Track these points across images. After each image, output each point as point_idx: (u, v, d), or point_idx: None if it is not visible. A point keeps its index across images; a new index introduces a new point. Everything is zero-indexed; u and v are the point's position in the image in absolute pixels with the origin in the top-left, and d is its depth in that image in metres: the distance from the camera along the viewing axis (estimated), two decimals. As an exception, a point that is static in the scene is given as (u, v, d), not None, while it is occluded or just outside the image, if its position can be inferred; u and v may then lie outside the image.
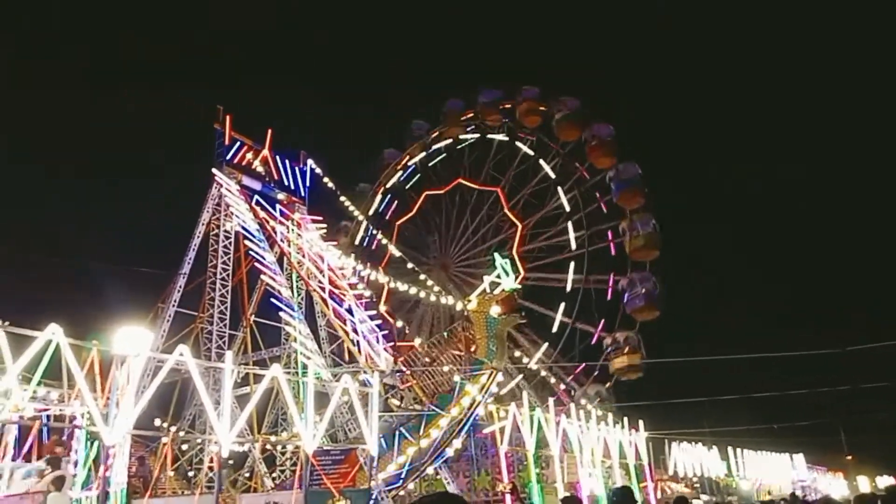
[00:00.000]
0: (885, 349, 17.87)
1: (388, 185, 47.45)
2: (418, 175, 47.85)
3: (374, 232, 43.89)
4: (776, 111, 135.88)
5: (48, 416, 14.54)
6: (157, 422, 19.74)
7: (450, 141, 46.28)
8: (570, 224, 40.96)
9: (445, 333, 28.46)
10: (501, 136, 44.42)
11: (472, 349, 25.90)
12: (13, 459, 13.42)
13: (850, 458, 66.64)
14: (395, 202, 47.86)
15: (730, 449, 45.63)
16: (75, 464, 13.93)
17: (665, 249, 38.26)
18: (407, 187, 47.92)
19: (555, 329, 39.53)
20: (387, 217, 47.42)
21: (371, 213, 46.15)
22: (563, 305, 39.50)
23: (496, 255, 28.85)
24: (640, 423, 30.51)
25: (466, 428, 24.45)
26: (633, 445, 29.16)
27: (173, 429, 22.27)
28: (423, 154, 47.10)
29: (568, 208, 41.30)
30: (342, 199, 40.12)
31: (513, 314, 26.66)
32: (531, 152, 43.26)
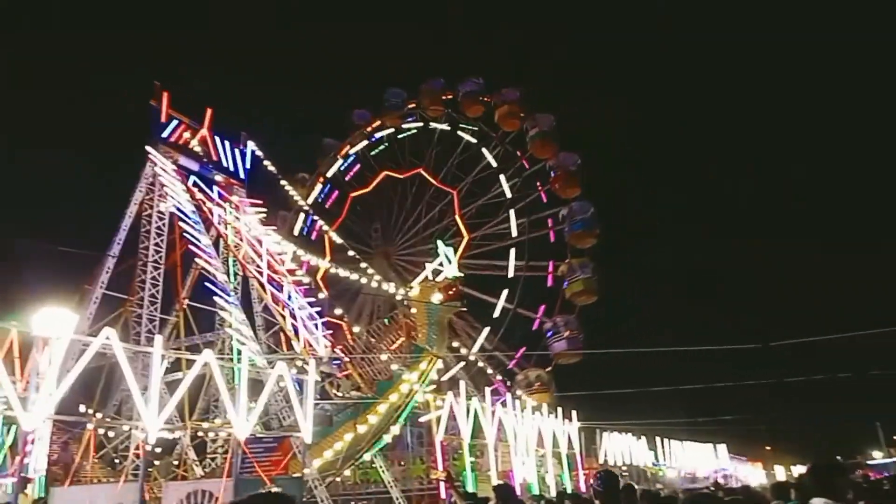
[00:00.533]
0: (804, 345, 18.80)
1: (327, 175, 47.03)
2: (359, 165, 47.66)
3: (314, 220, 43.36)
4: (707, 92, 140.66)
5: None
6: (83, 408, 18.97)
7: (391, 130, 46.18)
8: (511, 212, 41.64)
9: (386, 320, 28.43)
10: (444, 126, 44.61)
11: (413, 336, 25.96)
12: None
13: (768, 448, 70.27)
14: (335, 192, 47.55)
15: (657, 439, 47.34)
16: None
17: (603, 237, 39.50)
18: (347, 178, 47.70)
19: (497, 315, 40.13)
20: (326, 206, 47.00)
21: (310, 201, 45.59)
22: (505, 292, 40.18)
23: (439, 242, 28.98)
24: (574, 413, 31.24)
25: (405, 415, 24.48)
26: (567, 435, 29.85)
27: (99, 415, 21.45)
28: (364, 143, 46.90)
29: (509, 195, 42.02)
30: (283, 183, 39.39)
31: (454, 301, 26.88)
32: (473, 140, 43.71)
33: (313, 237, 43.73)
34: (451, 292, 26.49)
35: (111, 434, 23.41)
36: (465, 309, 32.37)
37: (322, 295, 32.47)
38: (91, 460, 18.56)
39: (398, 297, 31.08)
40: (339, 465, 23.21)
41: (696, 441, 55.50)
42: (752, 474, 64.30)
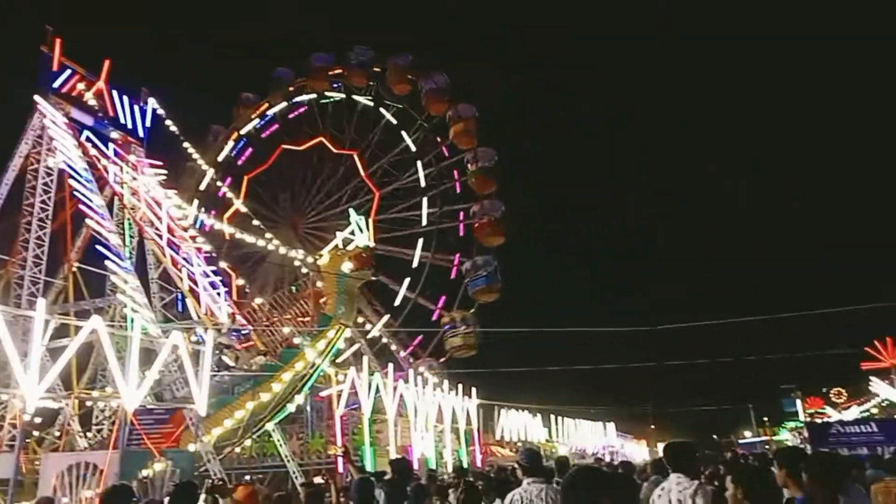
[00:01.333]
0: (688, 329, 20.10)
1: (242, 132, 45.07)
2: (276, 125, 45.84)
3: (221, 181, 41.63)
4: (610, 95, 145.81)
5: None
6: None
7: (313, 96, 44.71)
8: (424, 199, 41.52)
9: (294, 288, 27.94)
10: (367, 100, 43.74)
11: (321, 304, 25.73)
12: None
13: (653, 427, 74.81)
14: (248, 150, 45.65)
15: (551, 416, 49.38)
16: None
17: (509, 235, 40.05)
18: (263, 136, 45.80)
19: (398, 302, 40.23)
20: (238, 163, 45.10)
21: (221, 158, 43.66)
22: (407, 280, 40.24)
23: (351, 210, 28.75)
24: (473, 390, 31.98)
25: (309, 384, 24.26)
26: (465, 411, 30.55)
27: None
28: (284, 104, 45.10)
29: (424, 184, 41.79)
30: (186, 145, 37.56)
31: (364, 270, 26.87)
32: (394, 121, 43.08)
33: (220, 195, 41.90)
34: (361, 261, 26.46)
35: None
36: (375, 278, 32.30)
37: (223, 264, 31.39)
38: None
39: (307, 266, 30.56)
40: (241, 433, 22.76)
41: (588, 419, 58.32)
42: (636, 451, 68.31)
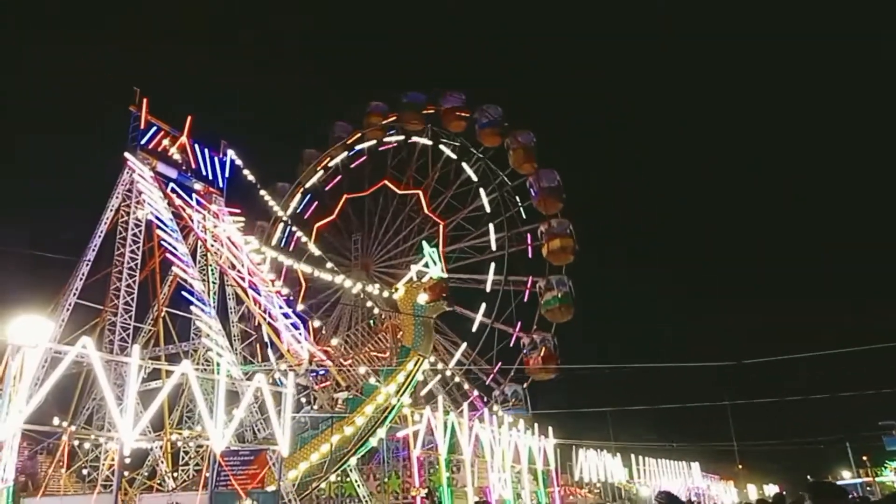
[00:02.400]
0: (777, 363, 19.12)
1: (307, 186, 46.85)
2: (339, 176, 47.54)
3: (293, 231, 43.19)
4: (680, 116, 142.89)
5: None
6: (56, 420, 18.52)
7: (373, 142, 46.19)
8: (490, 226, 41.80)
9: (371, 322, 28.38)
10: (425, 140, 44.71)
11: (399, 336, 26.03)
12: None
13: (740, 467, 70.86)
14: (315, 203, 47.29)
15: (632, 456, 47.58)
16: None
17: (581, 254, 39.82)
18: (327, 188, 47.52)
19: (474, 329, 40.04)
20: (305, 217, 46.76)
21: (290, 212, 45.37)
22: (483, 306, 40.16)
23: (424, 243, 29.19)
24: (549, 429, 31.29)
25: (391, 416, 24.36)
26: (542, 451, 29.87)
27: (72, 427, 20.93)
28: (345, 155, 46.77)
29: (489, 210, 42.21)
30: (262, 193, 39.16)
31: (440, 301, 27.17)
32: (454, 156, 43.87)
33: (291, 248, 43.48)
34: (436, 292, 26.78)
35: (83, 445, 22.89)
36: (450, 308, 32.53)
37: (300, 307, 32.22)
38: (64, 472, 18.13)
39: (380, 306, 31.00)
40: (326, 468, 23.01)
41: (670, 459, 55.90)
42: (724, 493, 64.83)
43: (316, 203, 47.33)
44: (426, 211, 43.75)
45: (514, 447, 27.09)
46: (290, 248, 43.35)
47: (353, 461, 25.03)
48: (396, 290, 28.98)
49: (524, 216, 41.97)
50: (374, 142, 46.12)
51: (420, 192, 44.35)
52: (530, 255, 41.09)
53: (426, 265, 27.33)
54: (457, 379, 39.87)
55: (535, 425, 30.22)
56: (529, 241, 41.22)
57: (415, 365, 25.12)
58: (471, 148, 43.28)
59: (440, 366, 38.75)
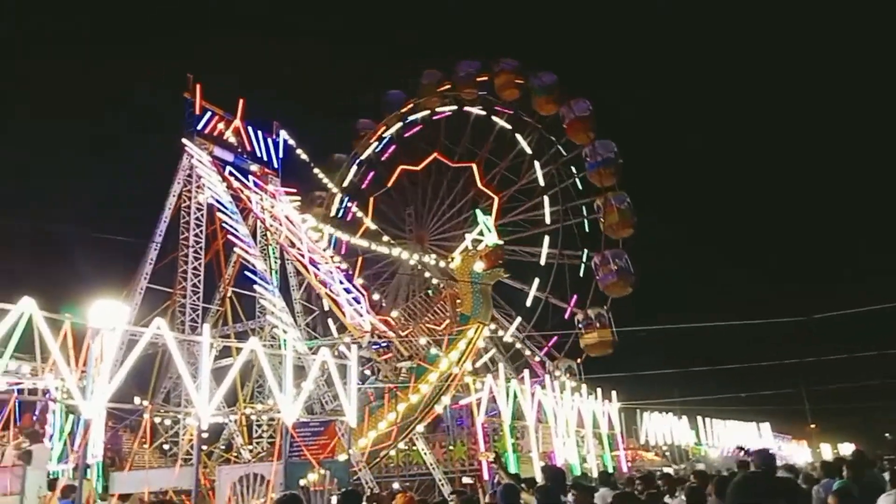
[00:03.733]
0: (850, 317, 18.31)
1: (362, 157, 47.01)
2: (394, 146, 47.34)
3: (349, 204, 43.66)
4: (749, 88, 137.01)
5: (20, 390, 14.29)
6: (137, 399, 19.53)
7: (426, 112, 45.80)
8: (545, 199, 41.18)
9: (430, 291, 28.73)
10: (478, 110, 44.12)
11: (458, 305, 26.35)
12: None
13: (813, 426, 68.99)
14: (371, 174, 47.45)
15: (699, 418, 46.85)
16: (50, 437, 13.76)
17: (638, 226, 38.75)
18: (382, 159, 47.46)
19: (528, 303, 39.94)
20: (362, 188, 46.99)
21: (345, 184, 45.70)
22: (536, 280, 39.92)
23: (478, 211, 29.23)
24: (613, 393, 31.09)
25: (454, 384, 24.77)
26: (606, 415, 29.75)
27: (152, 405, 22.07)
28: (399, 125, 46.57)
29: (543, 183, 41.46)
30: (316, 170, 39.75)
31: (496, 268, 27.28)
32: (508, 126, 43.13)
33: (348, 219, 43.92)
34: (492, 259, 26.91)
35: (164, 421, 24.09)
36: (507, 276, 32.51)
37: (359, 281, 32.74)
38: (149, 447, 19.15)
39: (435, 274, 31.28)
40: (394, 436, 23.64)
41: (739, 420, 54.77)
42: (796, 453, 63.37)
43: (371, 174, 47.38)
44: (480, 185, 43.37)
45: (577, 412, 27.07)
46: (347, 220, 43.78)
47: (419, 429, 25.58)
48: (452, 259, 29.17)
49: (580, 188, 41.07)
50: (427, 112, 45.63)
51: (473, 166, 43.91)
52: (587, 229, 40.25)
53: (481, 233, 27.42)
54: (518, 346, 39.95)
55: (599, 390, 30.08)
56: (585, 214, 40.41)
57: (475, 332, 25.36)
58: (525, 117, 42.43)
59: (500, 333, 38.91)
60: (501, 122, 43.31)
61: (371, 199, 46.28)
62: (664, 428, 40.40)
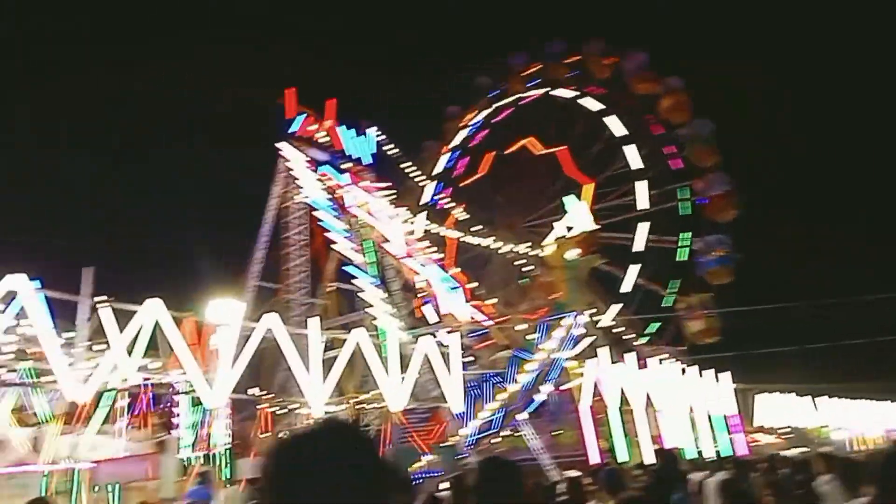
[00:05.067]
0: None
1: (452, 144, 46.85)
2: (483, 133, 46.91)
3: (440, 192, 43.77)
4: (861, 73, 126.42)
5: (151, 384, 15.43)
6: (255, 391, 20.73)
7: (514, 97, 45.08)
8: (641, 182, 39.33)
9: (525, 280, 28.54)
10: (567, 92, 42.98)
11: (553, 294, 26.04)
12: (127, 424, 14.38)
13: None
14: (461, 161, 47.28)
15: (822, 398, 43.99)
16: (180, 427, 14.79)
17: (743, 210, 36.44)
18: (472, 145, 47.16)
19: (626, 290, 38.48)
20: (452, 176, 46.95)
21: (437, 172, 45.66)
22: (634, 267, 38.40)
23: (570, 197, 28.66)
24: (727, 374, 29.79)
25: (553, 374, 24.53)
26: (719, 397, 28.54)
27: (265, 394, 23.27)
28: (488, 111, 46.00)
29: (639, 166, 39.63)
30: (406, 164, 40.35)
31: (591, 255, 26.69)
32: (600, 106, 41.67)
33: (439, 208, 44.14)
34: (586, 246, 26.32)
35: (280, 411, 25.34)
36: (604, 261, 31.65)
37: (454, 270, 33.08)
38: (272, 434, 20.20)
39: (531, 261, 31.01)
40: (496, 424, 23.76)
41: (868, 399, 50.94)
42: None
43: (462, 161, 47.25)
44: (570, 171, 42.19)
45: (687, 394, 26.13)
46: (439, 208, 43.90)
47: (521, 416, 25.48)
48: (546, 247, 28.82)
49: (678, 169, 39.09)
50: (515, 96, 44.94)
51: (562, 151, 42.77)
52: (686, 211, 38.33)
53: (573, 220, 26.86)
54: (619, 330, 38.96)
55: (712, 371, 28.88)
56: (683, 197, 38.51)
57: (572, 319, 24.93)
58: (616, 99, 40.82)
59: (599, 318, 38.05)
60: (592, 104, 41.97)
61: (461, 186, 46.23)
62: (783, 409, 38.28)
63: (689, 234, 37.52)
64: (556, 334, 24.55)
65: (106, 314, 11.00)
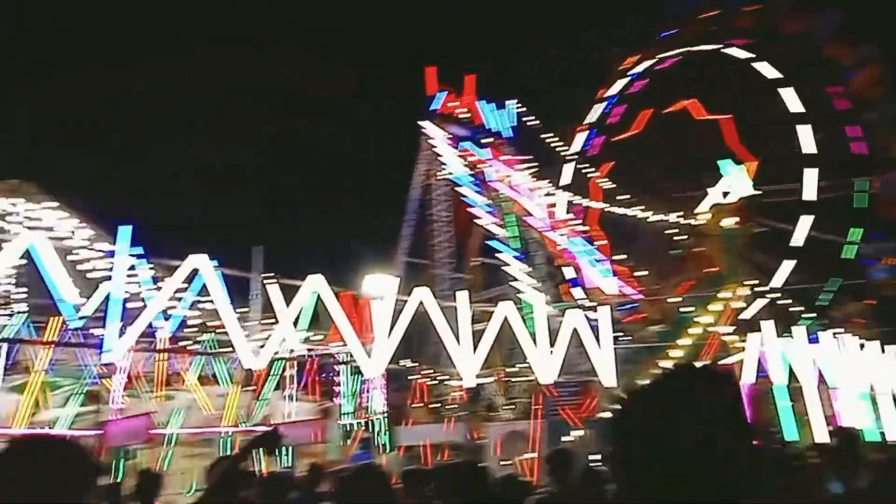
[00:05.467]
0: None
1: (608, 94, 44.25)
2: (642, 82, 43.89)
3: (593, 139, 41.87)
4: None
5: (315, 355, 16.55)
6: (407, 363, 21.64)
7: (683, 50, 41.47)
8: (810, 170, 34.99)
9: (678, 251, 27.16)
10: (742, 52, 38.87)
11: (708, 266, 24.61)
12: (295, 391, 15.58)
13: None
14: (615, 109, 44.65)
15: None
16: (341, 396, 15.80)
17: None
18: (629, 92, 44.35)
19: (799, 244, 34.74)
20: (606, 123, 44.19)
21: (588, 121, 43.55)
22: (804, 217, 34.62)
23: (726, 161, 26.70)
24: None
25: (712, 348, 23.31)
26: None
27: (420, 367, 24.18)
28: (651, 61, 42.64)
29: (811, 151, 35.28)
30: (548, 135, 39.43)
31: (749, 223, 24.77)
32: (776, 74, 37.39)
33: (584, 180, 42.67)
34: (744, 213, 24.44)
35: (430, 382, 26.28)
36: (763, 229, 29.06)
37: (601, 242, 32.21)
38: (421, 405, 21.06)
39: (685, 230, 29.28)
40: None
41: None
42: None
43: (618, 109, 44.39)
44: (732, 143, 38.61)
45: (867, 369, 23.72)
46: (586, 178, 42.16)
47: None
48: (702, 215, 27.19)
49: (844, 108, 34.65)
50: (684, 49, 41.46)
51: (727, 120, 39.09)
52: (862, 206, 33.86)
53: (730, 185, 25.00)
54: (785, 301, 35.91)
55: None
56: (855, 135, 34.16)
57: (730, 292, 23.43)
58: (797, 66, 36.52)
59: (762, 288, 35.30)
60: (768, 70, 37.31)
61: (613, 142, 44.06)
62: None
63: (860, 229, 33.31)
64: (713, 307, 23.24)
65: (273, 290, 11.89)
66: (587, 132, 41.63)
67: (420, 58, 33.75)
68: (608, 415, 15.92)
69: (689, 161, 39.89)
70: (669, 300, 25.51)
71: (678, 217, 30.58)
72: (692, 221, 28.26)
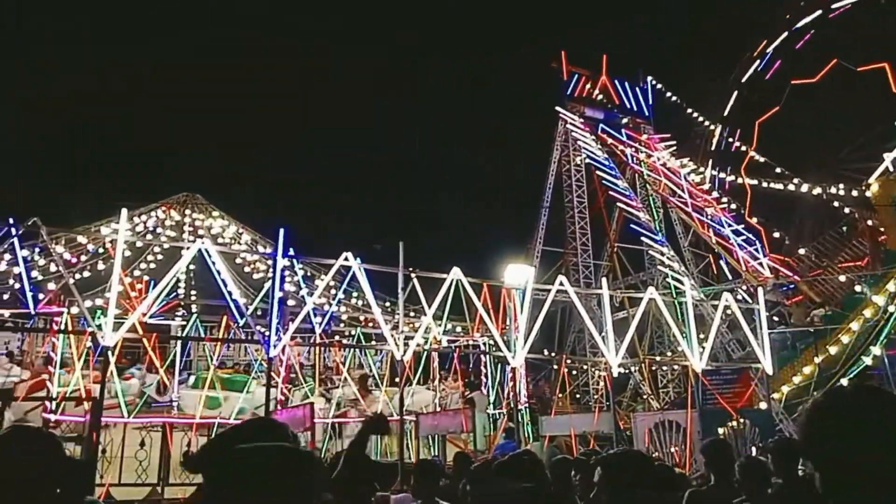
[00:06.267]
0: None
1: (743, 79, 41.44)
2: (779, 61, 40.60)
3: (731, 135, 39.42)
4: None
5: (459, 346, 16.94)
6: (546, 352, 21.57)
7: (819, 13, 37.95)
8: None
9: (844, 228, 24.70)
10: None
11: (881, 239, 22.19)
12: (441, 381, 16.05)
13: None
14: (756, 96, 41.54)
15: None
16: (486, 385, 16.06)
17: None
18: (767, 77, 41.19)
19: None
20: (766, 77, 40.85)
21: (727, 112, 41.02)
22: None
23: None
24: None
25: (885, 332, 20.94)
26: None
27: (562, 356, 24.01)
28: (785, 35, 39.57)
29: None
30: (689, 111, 37.33)
31: None
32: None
33: (732, 150, 39.85)
34: None
35: (573, 371, 25.98)
36: None
37: (753, 220, 30.06)
38: (568, 393, 20.92)
39: (848, 203, 26.60)
40: (812, 389, 21.22)
41: None
42: None
43: (757, 95, 41.56)
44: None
45: None
46: (731, 152, 39.58)
47: (843, 382, 22.32)
48: (869, 186, 24.53)
49: None
50: (820, 12, 37.75)
51: (886, 66, 34.96)
52: None
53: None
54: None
55: None
56: None
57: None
58: None
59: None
60: None
61: (756, 125, 40.99)
62: None
63: None
64: (888, 287, 20.88)
65: (415, 283, 12.29)
66: (722, 128, 38.32)
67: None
68: (762, 406, 14.91)
69: (857, 123, 35.95)
70: (833, 280, 23.26)
71: (843, 189, 27.85)
72: (858, 192, 25.60)
